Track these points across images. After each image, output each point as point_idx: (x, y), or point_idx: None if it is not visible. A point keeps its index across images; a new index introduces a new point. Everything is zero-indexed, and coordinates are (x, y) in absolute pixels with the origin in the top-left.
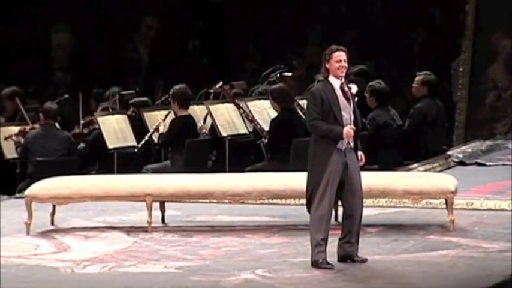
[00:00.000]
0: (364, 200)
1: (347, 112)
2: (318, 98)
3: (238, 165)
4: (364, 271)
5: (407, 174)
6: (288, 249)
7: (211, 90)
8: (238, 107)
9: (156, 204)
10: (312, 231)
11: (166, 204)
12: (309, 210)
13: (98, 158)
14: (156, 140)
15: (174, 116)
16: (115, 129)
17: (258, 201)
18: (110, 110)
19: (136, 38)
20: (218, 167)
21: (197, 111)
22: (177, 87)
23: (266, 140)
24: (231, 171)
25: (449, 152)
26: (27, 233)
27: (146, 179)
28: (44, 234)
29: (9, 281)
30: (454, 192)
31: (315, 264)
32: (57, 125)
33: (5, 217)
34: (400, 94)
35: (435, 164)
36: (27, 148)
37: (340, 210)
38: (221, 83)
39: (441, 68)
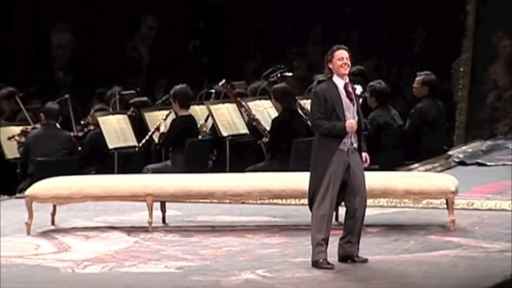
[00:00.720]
0: None
1: (350, 112)
2: (322, 98)
3: (239, 165)
4: (364, 271)
5: (407, 174)
6: (289, 249)
7: (212, 90)
8: (240, 105)
9: (157, 204)
10: (313, 231)
11: (167, 204)
12: (311, 210)
13: (95, 160)
14: (156, 140)
15: (174, 116)
16: (115, 129)
17: (259, 201)
18: (110, 109)
19: (137, 38)
20: (219, 167)
21: (198, 111)
22: (177, 87)
23: (267, 140)
24: (231, 171)
25: (450, 152)
26: (28, 233)
27: (147, 179)
28: (45, 234)
29: (9, 281)
30: (455, 192)
31: (315, 264)
32: (58, 125)
33: (6, 217)
34: (401, 94)
35: (436, 164)
36: (28, 148)
37: (341, 210)
38: (224, 81)
39: (442, 68)
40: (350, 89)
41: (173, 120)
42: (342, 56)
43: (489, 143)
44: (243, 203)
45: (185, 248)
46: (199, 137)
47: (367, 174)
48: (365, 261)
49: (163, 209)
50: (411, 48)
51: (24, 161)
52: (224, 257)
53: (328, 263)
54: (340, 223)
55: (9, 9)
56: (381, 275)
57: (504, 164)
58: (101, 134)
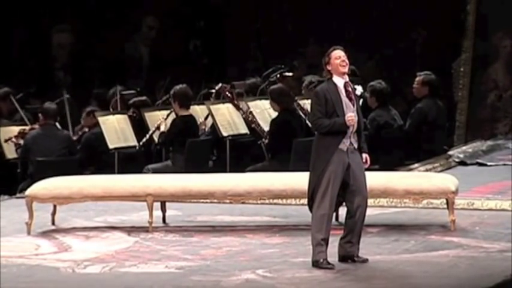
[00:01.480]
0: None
1: (350, 111)
2: (322, 98)
3: (239, 165)
4: (365, 271)
5: (408, 174)
6: (289, 249)
7: (212, 90)
8: (238, 108)
9: (157, 204)
10: (313, 231)
11: (167, 204)
12: (311, 210)
13: (93, 161)
14: (156, 140)
15: (175, 116)
16: (116, 129)
17: (259, 201)
18: (111, 109)
19: (137, 38)
20: (219, 167)
21: (198, 111)
22: (177, 87)
23: (266, 140)
24: (231, 171)
25: (450, 152)
26: (28, 233)
27: (147, 179)
28: (45, 234)
29: (10, 281)
30: (455, 192)
31: (315, 264)
32: (57, 124)
33: (6, 217)
34: (401, 94)
35: (436, 164)
36: (27, 148)
37: (341, 210)
38: (220, 84)
39: (442, 68)
40: (350, 89)
41: (173, 120)
42: (338, 55)
43: (489, 143)
44: (243, 203)
45: (185, 248)
46: (199, 134)
47: (367, 174)
48: (365, 261)
49: (163, 209)
50: (411, 48)
51: (24, 161)
52: (224, 257)
53: (329, 263)
54: (340, 223)
55: (9, 9)
56: (381, 275)
57: (504, 164)
58: (96, 134)
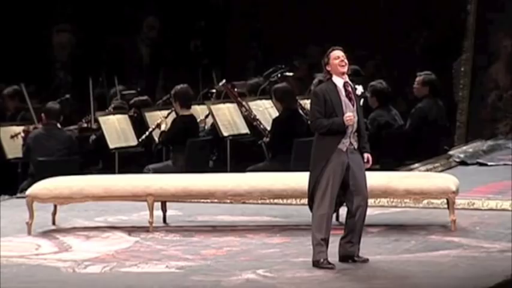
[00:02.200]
0: None
1: (350, 111)
2: (321, 98)
3: (240, 165)
4: (365, 271)
5: (408, 174)
6: (289, 249)
7: (213, 90)
8: (241, 105)
9: (158, 204)
10: (313, 230)
11: (168, 204)
12: (311, 210)
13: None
14: (157, 139)
15: (175, 115)
16: (116, 129)
17: (259, 201)
18: (111, 109)
19: (138, 38)
20: (219, 167)
21: (198, 111)
22: (178, 87)
23: (267, 139)
24: (232, 171)
25: (451, 152)
26: (29, 233)
27: (147, 179)
28: (46, 234)
29: (10, 281)
30: (456, 192)
31: (316, 264)
32: (58, 125)
33: (7, 217)
34: (401, 94)
35: (436, 164)
36: (29, 148)
37: (342, 210)
38: (224, 81)
39: (442, 68)
40: (349, 89)
41: (174, 120)
42: (337, 55)
43: (490, 143)
44: (243, 202)
45: (186, 248)
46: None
47: (368, 174)
48: (366, 261)
49: (164, 209)
50: (412, 48)
51: (25, 161)
52: (225, 257)
53: (329, 263)
54: (340, 223)
55: (10, 10)
56: (381, 275)
57: (505, 164)
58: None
